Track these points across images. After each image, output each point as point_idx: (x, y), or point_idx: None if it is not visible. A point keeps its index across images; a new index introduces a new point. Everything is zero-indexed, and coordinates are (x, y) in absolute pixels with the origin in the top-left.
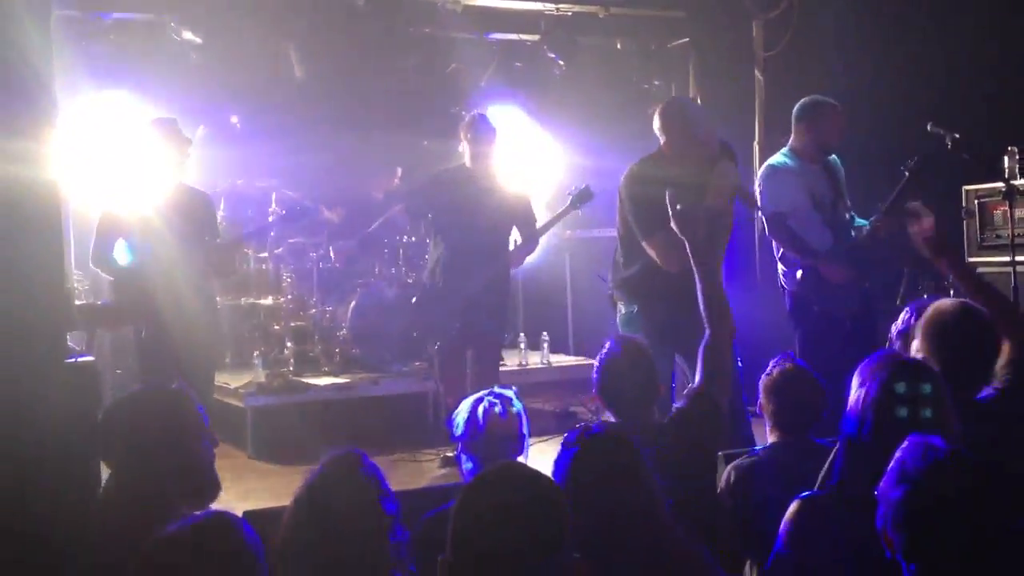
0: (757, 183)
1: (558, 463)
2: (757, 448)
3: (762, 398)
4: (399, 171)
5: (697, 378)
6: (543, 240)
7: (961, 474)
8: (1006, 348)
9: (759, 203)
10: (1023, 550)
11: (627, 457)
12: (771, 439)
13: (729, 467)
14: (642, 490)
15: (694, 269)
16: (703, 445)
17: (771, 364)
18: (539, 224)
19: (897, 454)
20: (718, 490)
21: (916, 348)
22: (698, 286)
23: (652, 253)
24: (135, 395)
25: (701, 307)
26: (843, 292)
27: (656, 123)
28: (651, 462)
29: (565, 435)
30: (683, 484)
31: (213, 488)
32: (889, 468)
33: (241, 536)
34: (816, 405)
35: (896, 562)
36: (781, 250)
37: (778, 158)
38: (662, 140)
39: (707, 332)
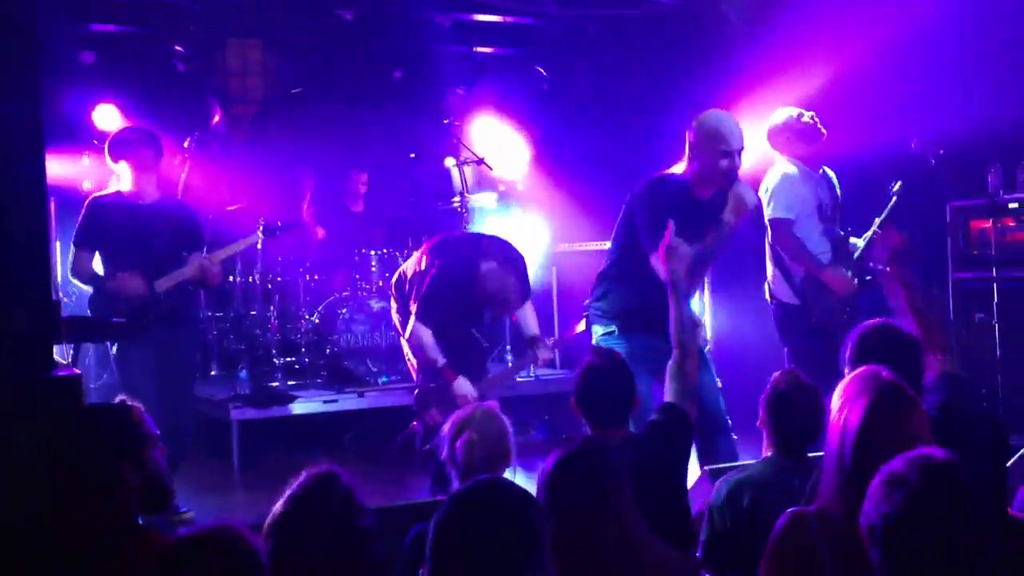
0: (767, 190)
1: (538, 479)
2: (750, 462)
3: (761, 413)
4: (364, 176)
5: (666, 395)
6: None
7: (945, 480)
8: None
9: (768, 210)
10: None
11: (601, 470)
12: (766, 453)
13: (720, 481)
14: (616, 502)
15: (668, 296)
16: (673, 457)
17: (773, 379)
18: None
19: (884, 466)
20: (710, 507)
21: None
22: (671, 312)
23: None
24: (85, 411)
25: (671, 330)
26: (840, 304)
27: (688, 137)
28: (625, 474)
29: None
30: (653, 494)
31: (166, 496)
32: (878, 476)
33: (251, 545)
34: (815, 423)
35: None
36: (781, 260)
37: (786, 165)
38: (687, 160)
39: (674, 353)
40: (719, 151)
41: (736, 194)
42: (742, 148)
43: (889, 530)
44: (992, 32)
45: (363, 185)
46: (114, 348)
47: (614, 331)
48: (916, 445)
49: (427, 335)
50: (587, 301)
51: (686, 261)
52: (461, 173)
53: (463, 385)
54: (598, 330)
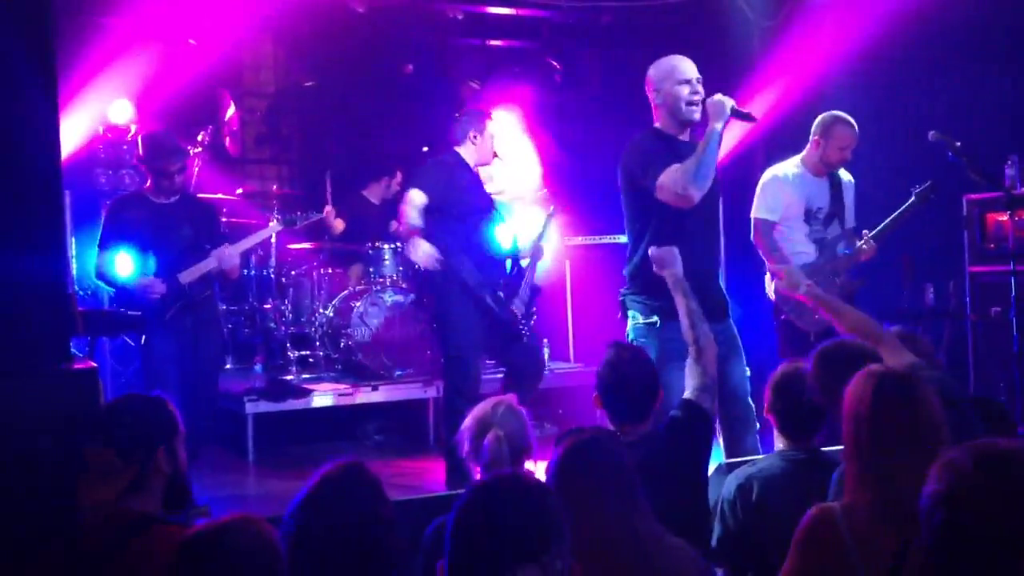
0: (759, 187)
1: (548, 467)
2: (760, 458)
3: (767, 399)
4: (399, 175)
5: (687, 392)
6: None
7: (996, 469)
8: None
9: (752, 208)
10: None
11: (607, 459)
12: (777, 445)
13: (730, 476)
14: (621, 490)
15: (674, 296)
16: (692, 453)
17: (779, 366)
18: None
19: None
20: (721, 502)
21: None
22: (679, 310)
23: (668, 188)
24: (127, 397)
25: (683, 330)
26: (808, 308)
27: (648, 91)
28: (634, 469)
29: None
30: (671, 491)
31: (186, 495)
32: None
33: (269, 536)
34: (819, 409)
35: None
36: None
37: (784, 167)
38: (655, 113)
39: (691, 350)
40: (676, 81)
41: (711, 101)
42: (698, 77)
43: (932, 510)
44: (1010, 23)
45: (397, 185)
46: (142, 339)
47: (655, 321)
48: (930, 432)
49: None
50: (622, 289)
51: (678, 263)
52: None
53: None
54: (638, 318)
